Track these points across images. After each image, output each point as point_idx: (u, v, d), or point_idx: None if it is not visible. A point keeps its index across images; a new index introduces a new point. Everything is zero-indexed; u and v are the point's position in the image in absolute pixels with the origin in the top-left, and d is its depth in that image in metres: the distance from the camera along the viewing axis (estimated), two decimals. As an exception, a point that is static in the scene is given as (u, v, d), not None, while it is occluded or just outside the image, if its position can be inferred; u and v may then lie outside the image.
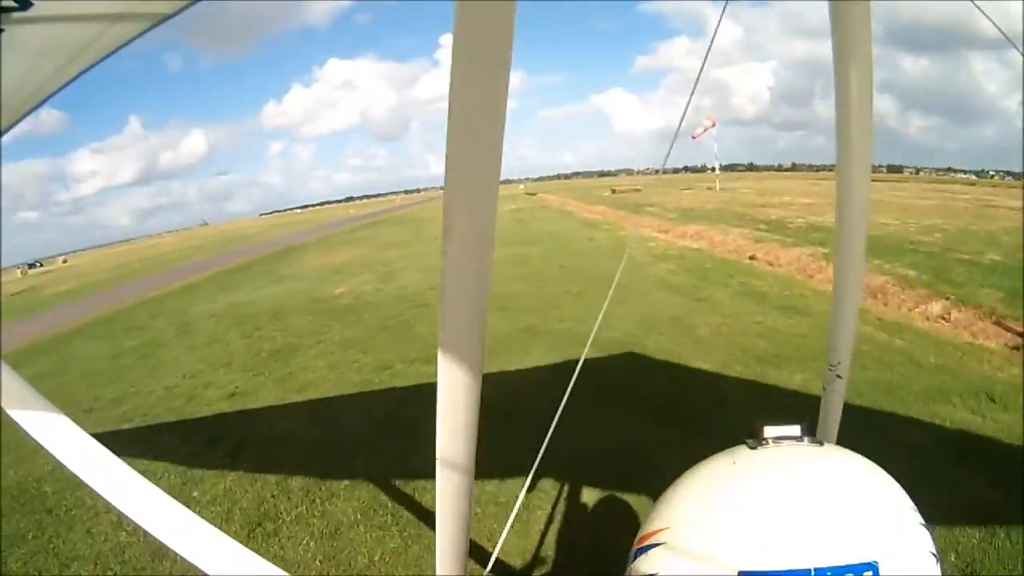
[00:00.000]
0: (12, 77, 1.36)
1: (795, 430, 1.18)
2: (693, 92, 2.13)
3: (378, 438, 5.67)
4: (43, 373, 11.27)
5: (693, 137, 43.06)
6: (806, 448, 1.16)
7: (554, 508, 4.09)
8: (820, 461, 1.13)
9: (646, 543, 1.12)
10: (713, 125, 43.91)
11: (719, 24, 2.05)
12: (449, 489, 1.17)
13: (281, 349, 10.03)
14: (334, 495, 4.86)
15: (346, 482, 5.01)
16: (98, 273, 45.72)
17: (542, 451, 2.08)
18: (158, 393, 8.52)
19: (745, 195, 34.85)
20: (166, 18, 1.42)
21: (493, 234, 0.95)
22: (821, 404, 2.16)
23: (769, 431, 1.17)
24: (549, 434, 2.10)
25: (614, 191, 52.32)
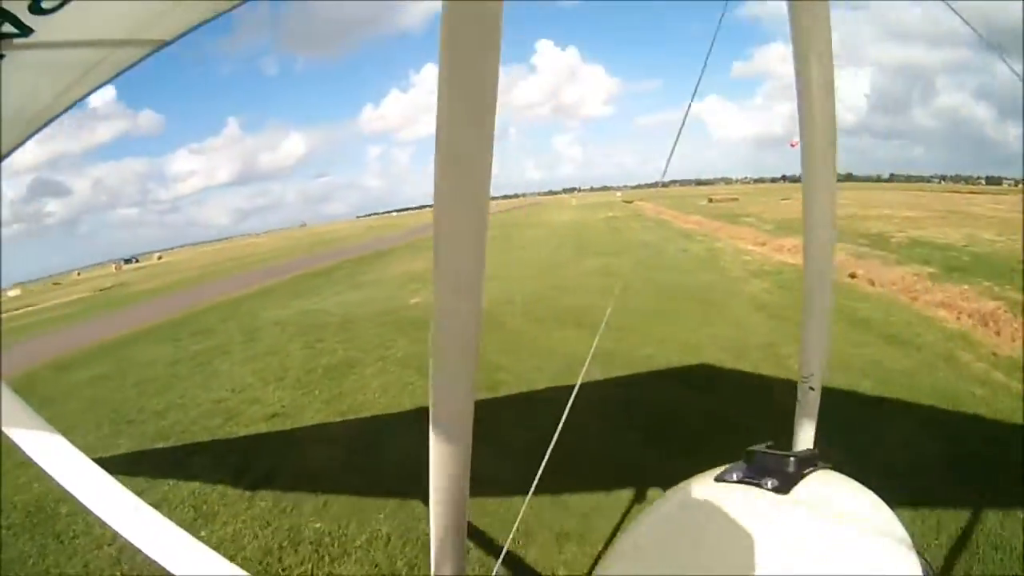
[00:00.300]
0: (14, 101, 1.48)
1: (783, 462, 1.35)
2: (693, 99, 2.23)
3: (409, 483, 5.29)
4: (99, 377, 12.25)
5: (791, 145, 44.35)
6: (761, 495, 1.29)
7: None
8: (769, 517, 1.24)
9: None
10: (812, 132, 44.76)
11: (717, 31, 2.12)
12: (444, 488, 1.22)
13: (338, 365, 10.11)
14: (346, 553, 4.54)
15: (364, 536, 4.73)
16: (188, 271, 50.24)
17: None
18: (203, 407, 8.80)
19: (844, 207, 34.27)
20: (166, 44, 1.56)
21: (483, 246, 1.03)
22: (795, 419, 2.24)
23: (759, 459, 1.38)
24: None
25: (711, 200, 54.79)
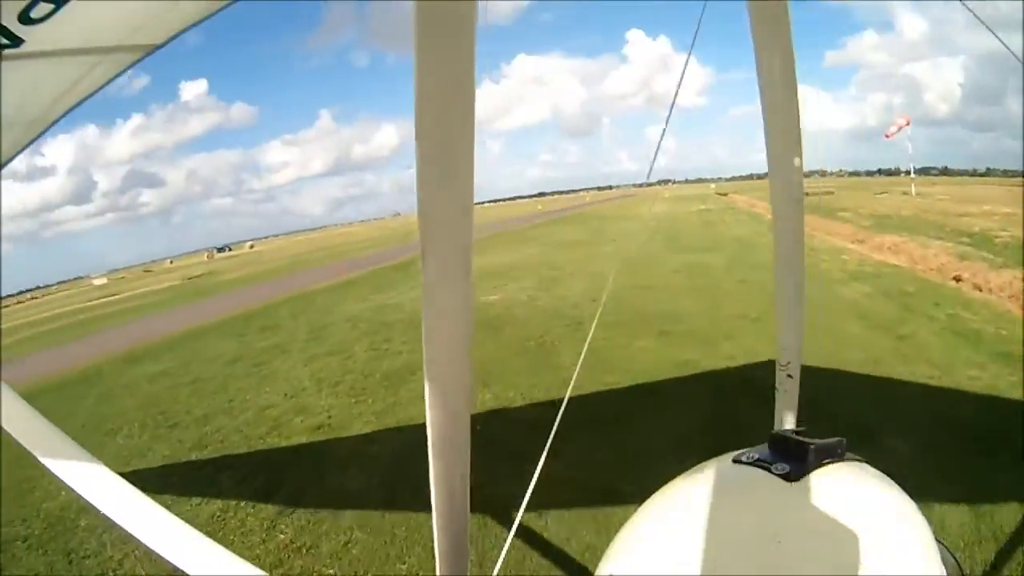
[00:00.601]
0: (8, 111, 1.61)
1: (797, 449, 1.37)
2: (675, 98, 2.76)
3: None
4: (160, 373, 12.87)
5: (887, 136, 46.57)
6: (771, 481, 1.32)
7: None
8: (782, 503, 1.30)
9: None
10: (907, 124, 46.09)
11: (698, 28, 2.64)
12: (446, 492, 1.37)
13: (399, 369, 9.98)
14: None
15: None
16: (277, 260, 52.97)
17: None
18: (249, 413, 8.93)
19: (942, 202, 33.17)
20: (156, 48, 1.71)
21: (470, 247, 1.12)
22: (776, 406, 2.56)
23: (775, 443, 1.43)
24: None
25: (806, 193, 54.94)
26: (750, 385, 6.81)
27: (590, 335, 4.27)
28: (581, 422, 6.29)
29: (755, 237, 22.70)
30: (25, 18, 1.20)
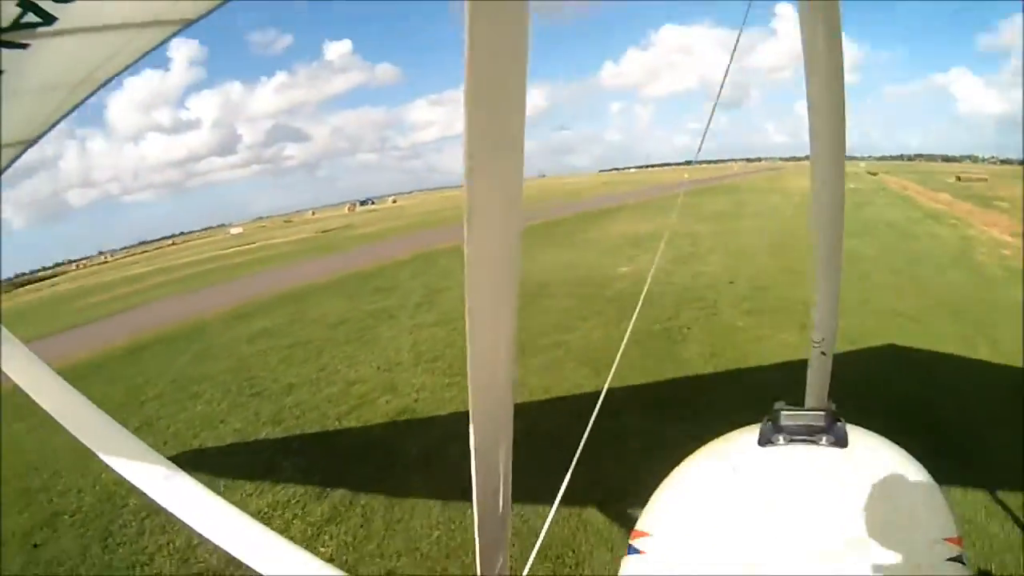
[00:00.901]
0: (41, 87, 1.76)
1: (817, 419, 1.81)
2: (723, 85, 2.87)
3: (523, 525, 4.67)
4: (262, 332, 13.30)
5: None
6: (823, 452, 1.72)
7: None
8: (836, 471, 1.67)
9: (633, 543, 1.66)
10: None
11: (744, 21, 2.78)
12: (488, 488, 1.42)
13: None
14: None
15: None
16: (415, 216, 54.30)
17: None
18: (336, 388, 8.79)
19: None
20: (190, 23, 1.74)
21: (518, 237, 1.20)
22: (807, 381, 2.84)
23: (786, 419, 1.83)
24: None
25: (959, 178, 55.78)
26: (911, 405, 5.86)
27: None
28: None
29: (909, 224, 21.94)
30: None
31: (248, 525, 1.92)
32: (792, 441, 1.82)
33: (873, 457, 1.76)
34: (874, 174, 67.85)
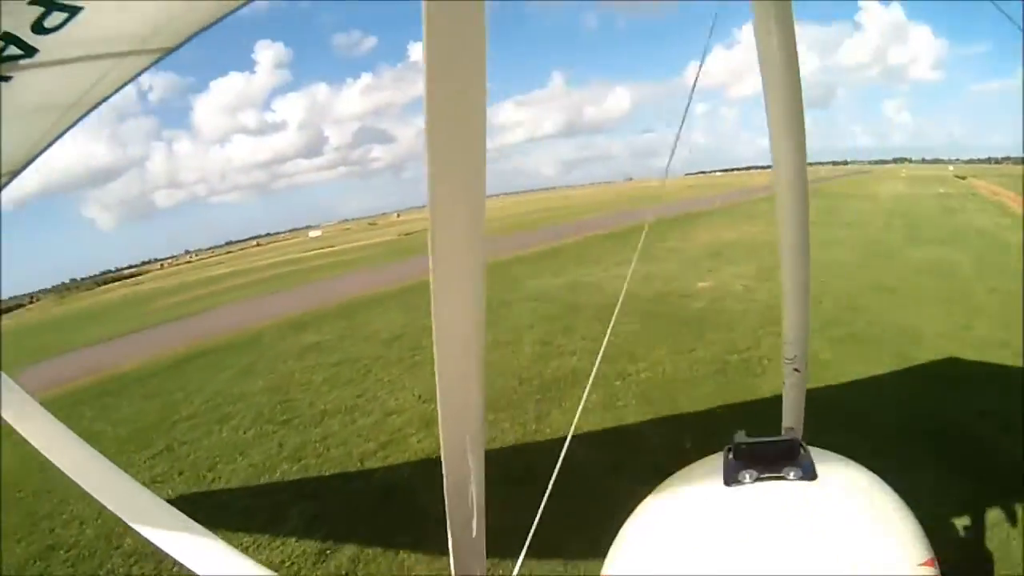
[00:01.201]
0: (25, 119, 1.88)
1: (781, 449, 1.82)
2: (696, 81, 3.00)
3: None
4: (311, 347, 12.97)
5: None
6: (792, 488, 1.70)
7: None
8: (805, 512, 1.65)
9: None
10: None
11: (711, 33, 3.01)
12: (459, 490, 1.51)
13: (566, 376, 8.65)
14: None
15: None
16: (496, 220, 54.84)
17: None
18: (371, 418, 8.22)
19: None
20: (169, 51, 1.86)
21: (481, 241, 1.28)
22: (783, 400, 2.87)
23: (747, 451, 1.82)
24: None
25: None
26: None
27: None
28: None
29: (1001, 231, 20.30)
30: (39, 28, 1.32)
31: (240, 563, 2.02)
32: (759, 479, 1.78)
33: (843, 488, 1.79)
34: (962, 177, 68.25)
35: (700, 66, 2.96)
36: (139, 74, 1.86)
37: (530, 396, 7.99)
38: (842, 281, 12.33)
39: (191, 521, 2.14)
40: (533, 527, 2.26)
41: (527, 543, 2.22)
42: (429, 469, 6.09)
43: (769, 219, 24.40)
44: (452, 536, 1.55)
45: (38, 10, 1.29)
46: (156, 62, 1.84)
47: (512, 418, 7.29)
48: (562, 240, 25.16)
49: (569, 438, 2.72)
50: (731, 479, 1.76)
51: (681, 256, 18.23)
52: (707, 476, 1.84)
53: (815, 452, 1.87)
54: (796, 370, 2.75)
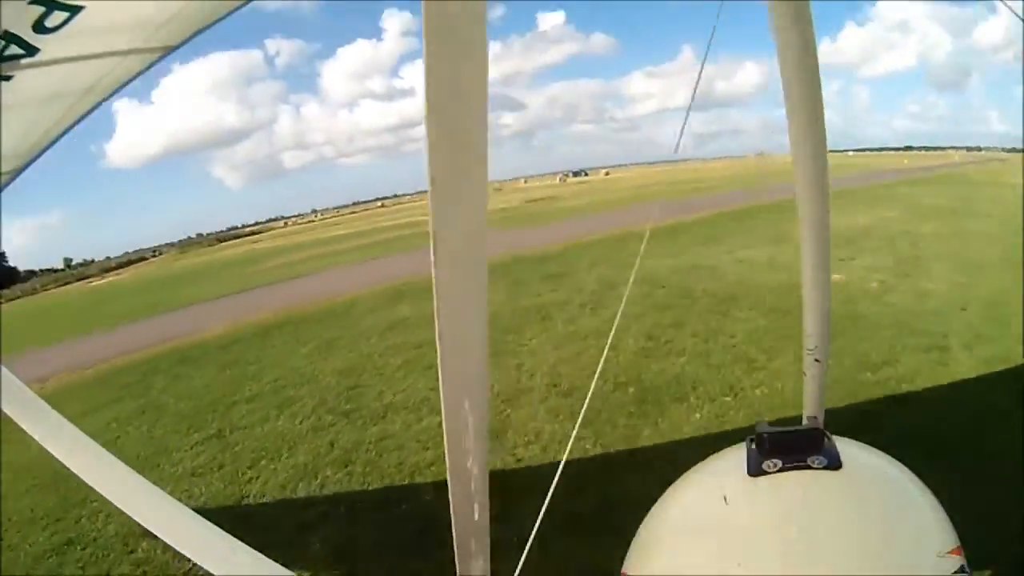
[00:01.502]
0: (26, 119, 1.90)
1: (805, 438, 1.78)
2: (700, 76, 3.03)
3: None
4: (402, 321, 12.60)
5: None
6: (817, 477, 1.67)
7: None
8: (831, 502, 1.65)
9: None
10: None
11: (713, 32, 2.95)
12: (463, 485, 1.51)
13: (670, 382, 7.40)
14: None
15: None
16: (625, 190, 53.84)
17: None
18: (436, 418, 7.08)
19: None
20: (171, 49, 1.91)
21: (483, 233, 1.27)
22: (804, 390, 2.93)
23: (771, 440, 1.77)
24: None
25: None
26: None
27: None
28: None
29: None
30: (40, 27, 1.33)
31: (250, 558, 1.97)
32: (783, 469, 1.73)
33: (870, 476, 1.81)
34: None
35: (703, 59, 2.94)
36: (142, 72, 1.88)
37: (622, 408, 6.82)
38: (987, 284, 10.45)
39: (210, 524, 2.02)
40: (534, 531, 2.12)
41: (527, 547, 2.00)
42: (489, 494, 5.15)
43: (908, 205, 22.21)
44: (457, 533, 1.56)
45: (39, 9, 1.31)
46: (158, 60, 1.86)
47: (596, 434, 6.17)
48: (685, 216, 23.46)
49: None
50: (755, 469, 1.74)
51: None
52: (730, 466, 1.83)
53: (839, 441, 1.85)
54: (817, 360, 2.80)
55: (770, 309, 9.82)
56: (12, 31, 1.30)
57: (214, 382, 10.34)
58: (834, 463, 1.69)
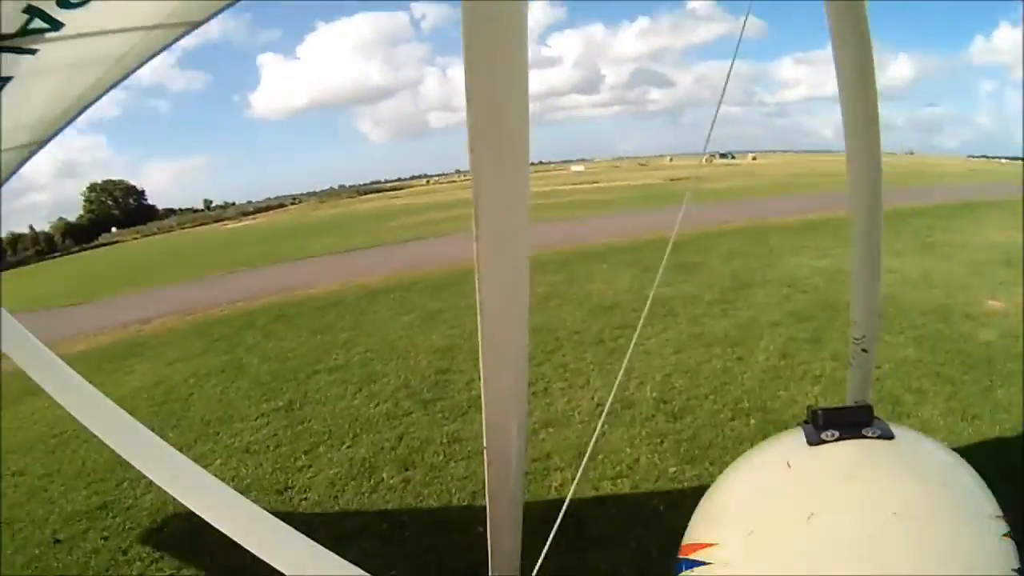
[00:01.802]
0: (50, 92, 1.91)
1: (859, 414, 1.78)
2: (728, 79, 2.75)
3: None
4: (467, 307, 11.29)
5: None
6: (872, 445, 1.70)
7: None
8: (888, 462, 1.69)
9: (691, 556, 1.62)
10: None
11: (742, 31, 2.71)
12: (500, 488, 1.59)
13: (781, 427, 5.91)
14: None
15: None
16: (773, 177, 51.72)
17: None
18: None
19: None
20: (197, 25, 1.86)
21: (526, 233, 1.31)
22: (849, 378, 2.90)
23: (827, 416, 1.74)
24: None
25: None
26: None
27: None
28: None
29: None
30: (64, 2, 1.29)
31: (272, 526, 1.97)
32: (841, 438, 1.74)
33: (920, 447, 1.87)
34: None
35: (732, 62, 2.71)
36: (167, 46, 1.87)
37: (739, 442, 5.67)
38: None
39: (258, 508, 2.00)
40: (553, 530, 2.01)
41: (546, 546, 1.89)
42: (564, 539, 4.32)
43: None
44: (492, 535, 1.61)
45: None
46: (184, 35, 1.83)
47: (701, 474, 5.12)
48: (834, 210, 21.38)
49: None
50: (815, 439, 1.74)
51: (967, 255, 14.04)
52: (789, 442, 1.83)
53: (891, 423, 1.83)
54: (864, 350, 2.72)
55: (922, 336, 8.25)
56: (36, 5, 1.27)
57: (303, 346, 9.95)
58: (887, 434, 1.75)
